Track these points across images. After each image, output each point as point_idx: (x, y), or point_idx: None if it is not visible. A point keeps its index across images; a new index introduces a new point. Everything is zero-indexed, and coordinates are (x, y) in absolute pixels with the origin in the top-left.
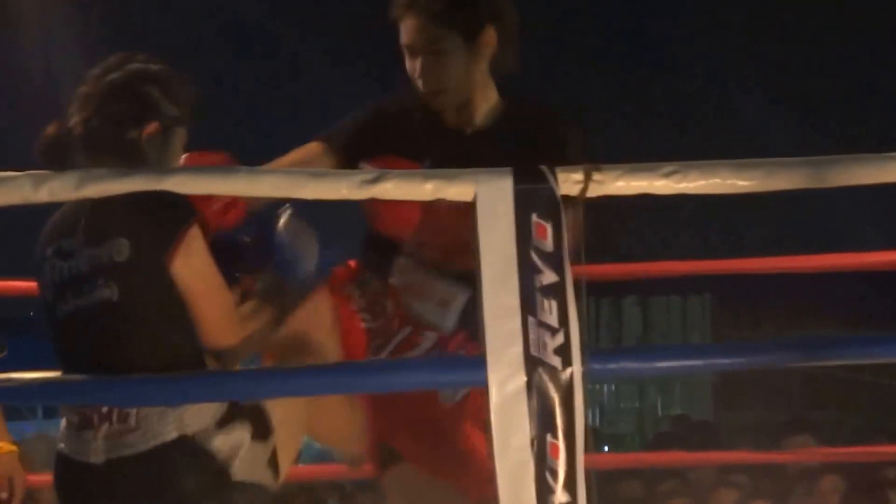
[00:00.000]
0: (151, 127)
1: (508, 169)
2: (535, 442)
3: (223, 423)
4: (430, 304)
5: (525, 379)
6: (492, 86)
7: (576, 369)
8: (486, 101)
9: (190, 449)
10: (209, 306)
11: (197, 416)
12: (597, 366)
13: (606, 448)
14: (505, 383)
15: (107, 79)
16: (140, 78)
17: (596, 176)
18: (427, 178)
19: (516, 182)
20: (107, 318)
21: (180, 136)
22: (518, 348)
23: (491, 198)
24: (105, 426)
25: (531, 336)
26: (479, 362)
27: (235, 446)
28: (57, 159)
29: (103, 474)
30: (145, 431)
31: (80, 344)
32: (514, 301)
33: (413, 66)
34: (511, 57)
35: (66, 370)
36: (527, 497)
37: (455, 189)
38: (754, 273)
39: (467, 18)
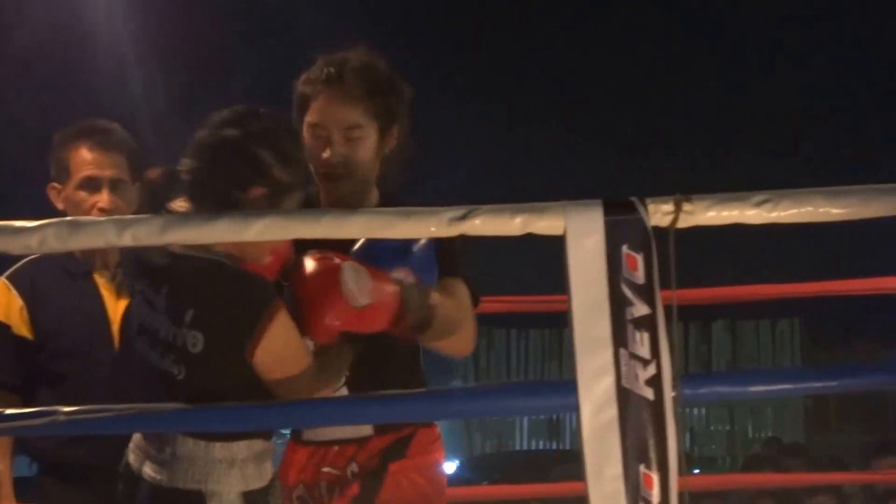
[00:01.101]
0: (257, 191)
1: (598, 201)
2: (628, 472)
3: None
4: None
5: (617, 410)
6: (374, 187)
7: (668, 400)
8: (372, 197)
9: None
10: (288, 383)
11: (221, 481)
12: (688, 391)
13: (697, 470)
14: (597, 414)
15: (223, 132)
16: (256, 139)
17: (686, 206)
18: (516, 212)
19: (606, 213)
20: (167, 386)
21: (291, 200)
22: (610, 380)
23: (581, 230)
24: (149, 446)
25: (623, 368)
26: (570, 390)
27: None
28: (156, 202)
29: (134, 483)
30: (174, 470)
31: (139, 386)
32: (605, 333)
33: (319, 147)
34: (401, 159)
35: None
36: None
37: (544, 223)
38: (844, 295)
39: (386, 111)
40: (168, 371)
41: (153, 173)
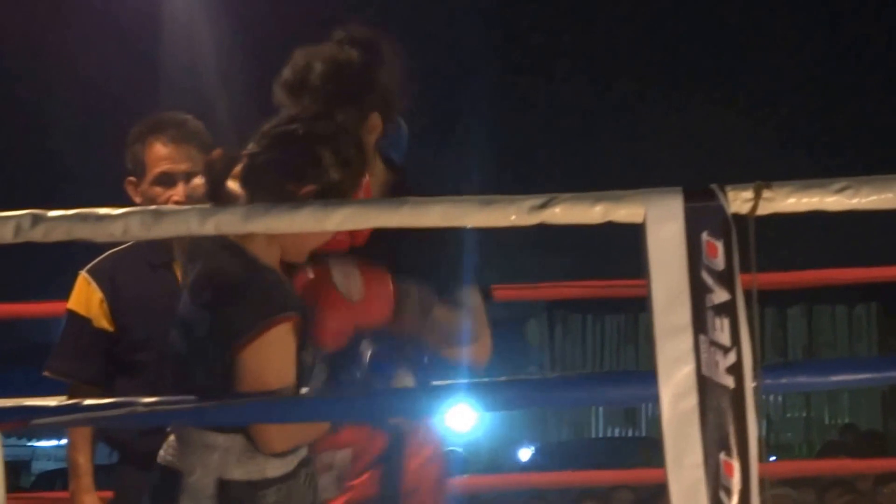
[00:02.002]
0: (309, 188)
1: (678, 188)
2: (709, 461)
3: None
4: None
5: (697, 398)
6: (379, 162)
7: (748, 388)
8: (375, 178)
9: (174, 480)
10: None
11: (193, 461)
12: (769, 380)
13: (774, 458)
14: (677, 402)
15: (290, 127)
16: (318, 136)
17: (766, 193)
18: (596, 200)
19: (686, 201)
20: (172, 361)
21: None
22: (690, 367)
23: (661, 218)
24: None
25: (703, 355)
26: (650, 378)
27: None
28: (215, 183)
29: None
30: (187, 458)
31: (166, 363)
32: (685, 320)
33: None
34: (399, 141)
35: None
36: None
37: (625, 210)
38: None
39: (351, 113)
40: (174, 347)
41: (216, 154)
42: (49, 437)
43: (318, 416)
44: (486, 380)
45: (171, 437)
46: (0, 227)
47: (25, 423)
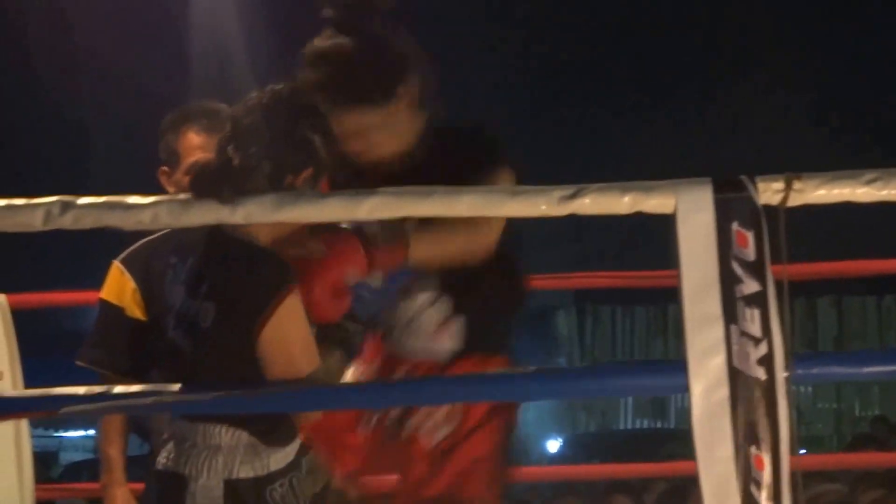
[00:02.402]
0: (307, 173)
1: (708, 179)
2: (740, 454)
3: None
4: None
5: (728, 390)
6: (416, 118)
7: (779, 380)
8: (412, 135)
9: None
10: (286, 371)
11: (204, 463)
12: (800, 371)
13: (804, 451)
14: (708, 394)
15: (272, 116)
16: (305, 122)
17: (796, 184)
18: (625, 190)
19: (716, 192)
20: (174, 362)
21: (322, 178)
22: (721, 359)
23: (691, 208)
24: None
25: (734, 346)
26: (680, 369)
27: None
28: (208, 188)
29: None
30: (195, 460)
31: (162, 359)
32: (716, 310)
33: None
34: (430, 97)
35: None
36: None
37: (654, 201)
38: None
39: (378, 91)
40: (178, 345)
41: (202, 160)
42: (76, 428)
43: (348, 403)
44: (514, 371)
45: (170, 443)
46: (30, 214)
47: (55, 412)
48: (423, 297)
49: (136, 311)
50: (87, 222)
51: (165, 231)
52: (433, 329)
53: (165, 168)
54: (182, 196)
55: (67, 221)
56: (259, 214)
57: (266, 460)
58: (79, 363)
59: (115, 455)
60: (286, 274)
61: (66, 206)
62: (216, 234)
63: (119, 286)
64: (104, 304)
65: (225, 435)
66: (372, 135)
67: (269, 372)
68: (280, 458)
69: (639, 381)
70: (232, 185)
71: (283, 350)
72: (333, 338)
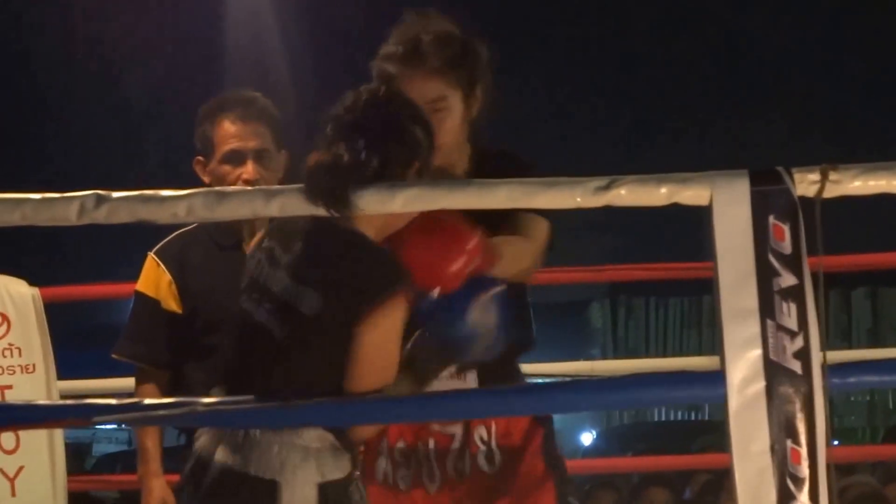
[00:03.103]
0: (414, 168)
1: (744, 171)
2: (776, 447)
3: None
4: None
5: (764, 383)
6: (466, 144)
7: (816, 373)
8: (461, 159)
9: (271, 494)
10: (368, 374)
11: (297, 469)
12: (837, 380)
13: (837, 442)
14: (744, 388)
15: (379, 113)
16: (410, 118)
17: (832, 176)
18: (661, 182)
19: (753, 184)
20: (262, 343)
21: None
22: (757, 352)
23: (727, 200)
24: (230, 435)
25: (770, 340)
26: (717, 372)
27: None
28: (322, 187)
29: (214, 476)
30: (256, 458)
31: (237, 342)
32: (752, 304)
33: None
34: (485, 113)
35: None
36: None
37: (690, 192)
38: None
39: (467, 75)
40: (269, 329)
41: (312, 160)
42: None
43: (385, 418)
44: (547, 381)
45: (219, 435)
46: (64, 208)
47: (87, 422)
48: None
49: (171, 304)
50: (122, 216)
51: (199, 223)
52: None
53: (200, 157)
54: (216, 188)
55: (102, 215)
56: (294, 206)
57: (346, 462)
58: (115, 356)
59: (151, 446)
60: (399, 275)
61: (100, 200)
62: (325, 226)
63: (155, 278)
64: (140, 296)
65: (315, 436)
66: (443, 121)
67: (352, 369)
68: (351, 458)
69: (674, 392)
70: (344, 182)
71: (374, 351)
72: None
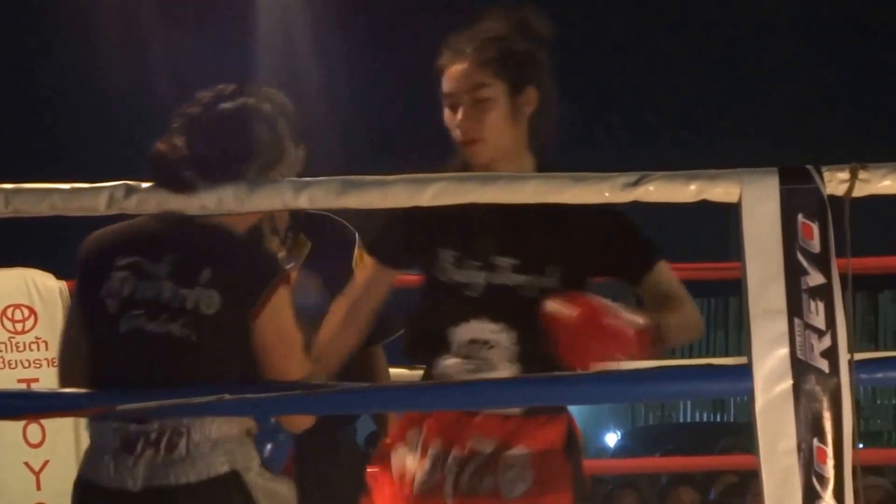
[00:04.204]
0: (256, 165)
1: (774, 169)
2: (802, 446)
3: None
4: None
5: (791, 382)
6: (528, 154)
7: (843, 373)
8: (520, 167)
9: (238, 485)
10: (280, 360)
11: (244, 455)
12: (864, 376)
13: (862, 445)
14: (771, 386)
15: (222, 109)
16: (255, 117)
17: (862, 174)
18: (690, 179)
19: (782, 182)
20: (176, 352)
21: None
22: (784, 351)
23: (757, 198)
24: (150, 452)
25: (797, 338)
26: (744, 370)
27: (272, 494)
28: (167, 177)
29: (140, 502)
30: (197, 461)
31: (137, 362)
32: (780, 303)
33: (453, 116)
34: (550, 125)
35: (104, 378)
36: (793, 503)
37: (719, 189)
38: None
39: (514, 71)
40: (178, 337)
41: (156, 150)
42: None
43: (415, 405)
44: (570, 373)
45: (129, 461)
46: (93, 198)
47: (112, 409)
48: None
49: None
50: (151, 206)
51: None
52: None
53: None
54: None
55: (131, 205)
56: (323, 199)
57: (251, 450)
58: None
59: None
60: (278, 263)
61: (129, 190)
62: (194, 227)
63: None
64: None
65: (222, 425)
66: (485, 111)
67: (266, 361)
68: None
69: (702, 385)
70: (187, 174)
71: (278, 338)
72: None
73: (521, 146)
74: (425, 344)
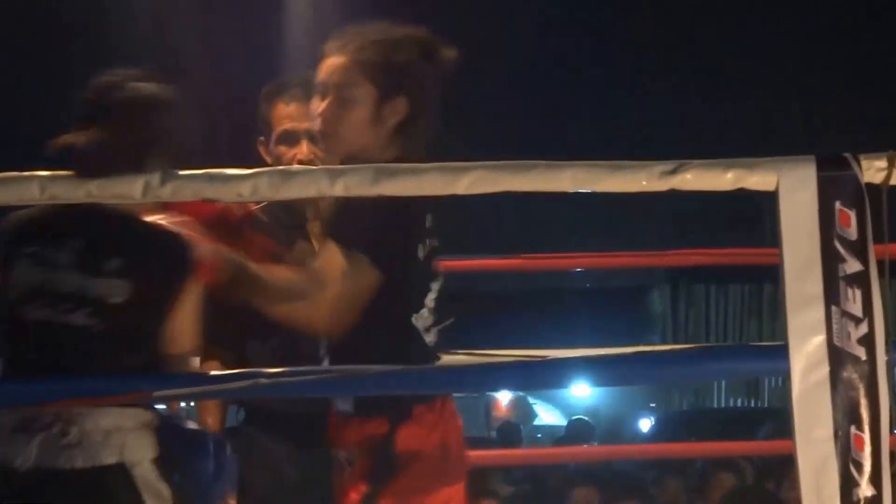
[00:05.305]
0: (152, 153)
1: (811, 157)
2: (839, 434)
3: (157, 463)
4: None
5: (828, 369)
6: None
7: (880, 360)
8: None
9: (125, 478)
10: (181, 348)
11: (137, 448)
12: None
13: None
14: (808, 374)
15: (113, 99)
16: (145, 105)
17: None
18: (728, 167)
19: (819, 169)
20: (81, 342)
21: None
22: (821, 338)
23: (794, 186)
24: (42, 435)
25: (834, 326)
26: (780, 351)
27: (157, 493)
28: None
29: (27, 480)
30: (86, 449)
31: (41, 353)
32: (817, 290)
33: (318, 104)
34: (419, 139)
35: (12, 369)
36: (830, 490)
37: (757, 178)
38: None
39: (387, 80)
40: (79, 326)
41: (71, 139)
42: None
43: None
44: (606, 353)
45: (22, 442)
46: (130, 185)
47: (149, 395)
48: None
49: None
50: (187, 194)
51: (265, 203)
52: None
53: (262, 138)
54: (281, 167)
55: (167, 193)
56: (358, 186)
57: (147, 441)
58: None
59: (213, 425)
60: (192, 251)
61: (165, 178)
62: (101, 215)
63: None
64: None
65: (131, 414)
66: (345, 110)
67: (169, 348)
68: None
69: (739, 365)
70: (94, 161)
71: (182, 324)
72: None
73: (380, 151)
74: None
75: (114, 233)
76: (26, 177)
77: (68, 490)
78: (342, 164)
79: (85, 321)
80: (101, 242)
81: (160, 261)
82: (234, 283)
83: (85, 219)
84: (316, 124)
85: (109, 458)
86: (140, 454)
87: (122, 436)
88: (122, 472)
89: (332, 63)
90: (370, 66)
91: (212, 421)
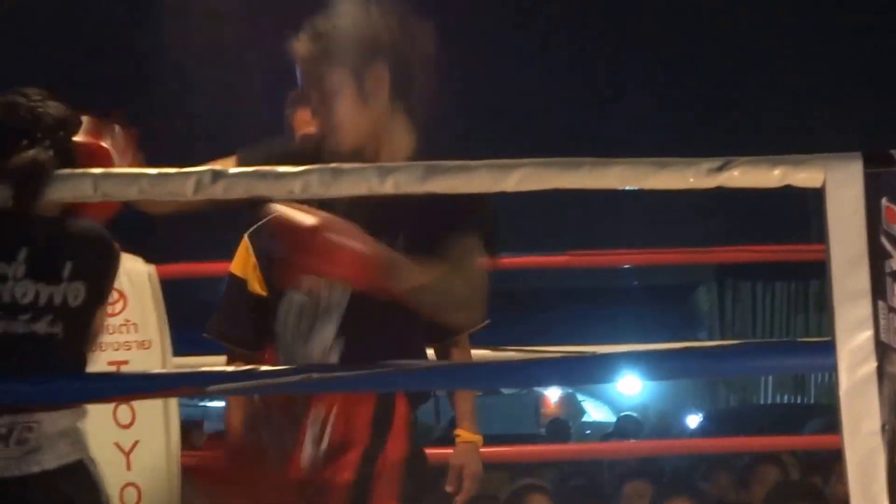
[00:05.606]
0: (25, 148)
1: (858, 153)
2: (886, 428)
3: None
4: None
5: (875, 364)
6: (401, 130)
7: None
8: (393, 144)
9: (89, 472)
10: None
11: (88, 446)
12: None
13: None
14: (854, 369)
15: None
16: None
17: None
18: (775, 164)
19: (866, 166)
20: (44, 350)
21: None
22: (868, 333)
23: (841, 183)
24: (1, 444)
25: (881, 321)
26: (827, 347)
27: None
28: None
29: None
30: (49, 451)
31: (6, 364)
32: (864, 286)
33: (307, 112)
34: (419, 97)
35: None
36: (878, 484)
37: (803, 175)
38: None
39: (351, 55)
40: (42, 334)
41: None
42: (220, 398)
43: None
44: (654, 348)
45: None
46: (181, 183)
47: (203, 390)
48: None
49: (256, 286)
50: (237, 191)
51: None
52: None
53: None
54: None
55: (218, 190)
56: (407, 184)
57: (82, 444)
58: (205, 336)
59: (237, 425)
60: (115, 246)
61: (216, 175)
62: (41, 221)
63: (244, 259)
64: (232, 277)
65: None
66: (330, 104)
67: (89, 347)
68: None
69: (786, 361)
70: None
71: (103, 326)
72: None
73: (388, 124)
74: None
75: (58, 237)
76: (80, 174)
77: (41, 492)
78: (355, 153)
79: (46, 329)
80: (47, 249)
81: (99, 255)
82: (389, 276)
83: (19, 228)
84: (315, 129)
85: (72, 457)
86: (89, 451)
87: (78, 435)
88: (85, 468)
89: (300, 67)
90: (331, 49)
91: (236, 421)
